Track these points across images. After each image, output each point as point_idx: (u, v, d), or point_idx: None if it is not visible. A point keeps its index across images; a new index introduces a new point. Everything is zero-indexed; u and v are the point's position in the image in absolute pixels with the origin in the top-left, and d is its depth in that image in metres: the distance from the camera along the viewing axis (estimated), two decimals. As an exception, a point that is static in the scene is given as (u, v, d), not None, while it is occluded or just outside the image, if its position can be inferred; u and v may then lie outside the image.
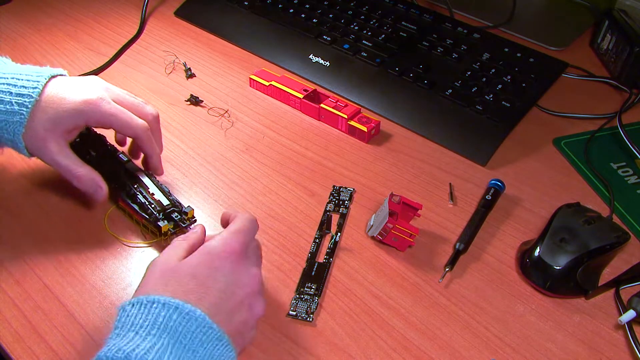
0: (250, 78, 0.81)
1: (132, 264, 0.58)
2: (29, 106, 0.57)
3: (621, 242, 0.58)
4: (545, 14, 0.99)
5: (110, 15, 0.96)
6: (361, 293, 0.56)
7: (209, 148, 0.72)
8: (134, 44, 0.90)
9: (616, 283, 0.57)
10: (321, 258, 0.59)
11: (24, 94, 0.57)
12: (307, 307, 0.55)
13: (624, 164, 0.71)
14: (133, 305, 0.43)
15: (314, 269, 0.58)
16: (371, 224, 0.62)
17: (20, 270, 0.57)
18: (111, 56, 0.87)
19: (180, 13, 0.97)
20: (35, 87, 0.58)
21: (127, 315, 0.43)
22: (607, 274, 0.59)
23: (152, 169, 0.64)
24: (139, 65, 0.86)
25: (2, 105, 0.57)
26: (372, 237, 0.61)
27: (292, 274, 0.58)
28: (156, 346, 0.41)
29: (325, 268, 0.58)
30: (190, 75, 0.84)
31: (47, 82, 0.59)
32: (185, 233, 0.55)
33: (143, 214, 0.59)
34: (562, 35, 0.92)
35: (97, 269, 0.58)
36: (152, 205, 0.59)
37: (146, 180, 0.62)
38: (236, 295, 0.47)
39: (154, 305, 0.43)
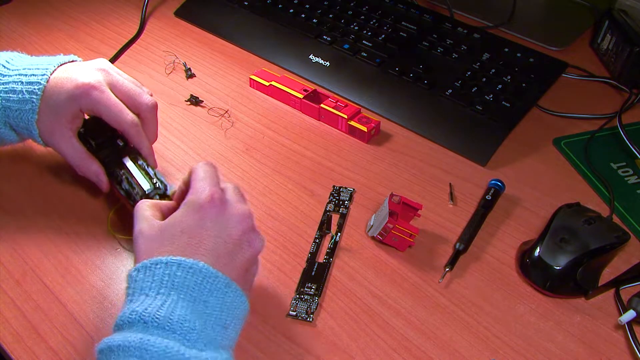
0: (250, 78, 0.81)
1: (132, 264, 0.58)
2: (39, 93, 0.58)
3: (621, 242, 0.58)
4: (545, 14, 0.99)
5: (110, 15, 0.96)
6: (361, 293, 0.56)
7: (209, 148, 0.72)
8: (134, 44, 0.90)
9: (616, 283, 0.57)
10: (321, 258, 0.59)
11: (33, 82, 0.58)
12: (307, 307, 0.55)
13: (624, 164, 0.71)
14: (138, 270, 0.44)
15: (314, 269, 0.58)
16: (371, 224, 0.62)
17: (20, 270, 0.57)
18: (111, 56, 0.87)
19: (180, 13, 0.97)
20: (44, 74, 0.59)
21: (135, 281, 0.44)
22: (607, 274, 0.59)
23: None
24: (139, 65, 0.86)
25: (14, 95, 0.58)
26: (372, 237, 0.61)
27: (292, 274, 0.58)
28: (167, 302, 0.42)
29: (325, 268, 0.58)
30: (190, 75, 0.84)
31: (55, 69, 0.60)
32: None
33: (129, 201, 0.58)
34: (562, 35, 0.92)
35: (97, 269, 0.58)
36: (135, 191, 0.58)
37: (130, 165, 0.60)
38: (232, 236, 0.47)
39: (158, 266, 0.44)
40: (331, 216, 0.64)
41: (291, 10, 0.91)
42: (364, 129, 0.73)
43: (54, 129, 0.59)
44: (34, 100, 0.58)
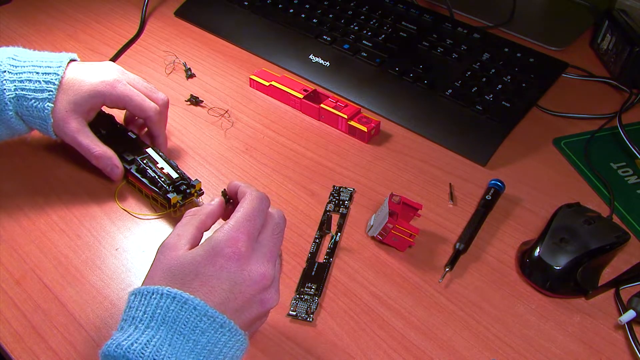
0: (250, 78, 0.81)
1: (132, 263, 0.58)
2: (56, 83, 0.62)
3: (621, 242, 0.58)
4: (545, 14, 0.99)
5: (110, 15, 0.96)
6: (361, 293, 0.56)
7: (209, 148, 0.72)
8: (134, 44, 0.90)
9: (616, 283, 0.57)
10: (321, 258, 0.59)
11: (49, 73, 0.62)
12: (307, 307, 0.55)
13: (624, 164, 0.71)
14: (135, 295, 0.43)
15: (314, 269, 0.58)
16: (371, 224, 0.62)
17: (20, 270, 0.57)
18: (111, 56, 0.87)
19: (180, 13, 0.97)
20: (59, 66, 0.63)
21: (129, 307, 0.43)
22: (607, 274, 0.59)
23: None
24: (139, 65, 0.86)
25: (31, 84, 0.61)
26: (372, 237, 0.61)
27: (292, 274, 0.58)
28: (154, 339, 0.40)
29: (325, 268, 0.58)
30: (190, 75, 0.84)
31: (67, 63, 0.64)
32: (195, 206, 0.60)
33: (153, 187, 0.62)
34: (562, 35, 0.92)
35: (97, 269, 0.58)
36: (162, 179, 0.62)
37: (155, 155, 0.65)
38: (244, 294, 0.44)
39: (154, 296, 0.42)
40: (331, 216, 0.64)
41: (291, 10, 0.91)
42: (364, 129, 0.73)
43: (70, 120, 0.62)
44: (52, 89, 0.61)
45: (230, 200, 0.51)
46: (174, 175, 0.63)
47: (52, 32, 0.92)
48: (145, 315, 0.41)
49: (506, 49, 0.82)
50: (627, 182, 0.69)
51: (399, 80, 0.79)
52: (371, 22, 0.87)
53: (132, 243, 0.60)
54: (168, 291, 0.42)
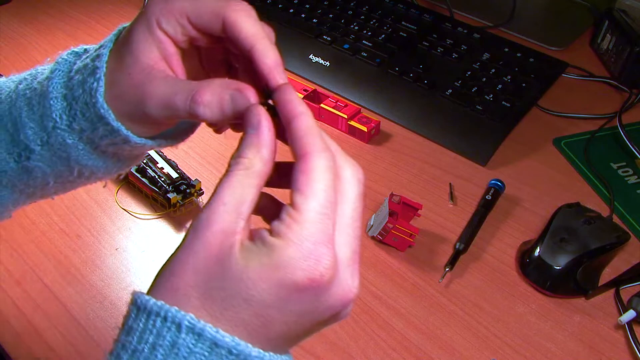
0: (250, 78, 0.81)
1: (132, 263, 0.58)
2: (110, 44, 0.36)
3: (621, 242, 0.58)
4: (545, 14, 0.99)
5: (111, 15, 0.96)
6: (361, 293, 0.56)
7: (209, 148, 0.72)
8: (134, 44, 0.90)
9: (616, 283, 0.57)
10: (321, 258, 0.59)
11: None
12: (307, 307, 0.54)
13: (624, 164, 0.71)
14: (140, 311, 0.28)
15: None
16: (371, 224, 0.62)
17: (20, 270, 0.57)
18: (111, 56, 0.86)
19: (180, 13, 0.97)
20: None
21: (130, 328, 0.29)
22: (607, 274, 0.59)
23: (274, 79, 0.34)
24: (139, 65, 0.86)
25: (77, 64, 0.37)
26: (372, 237, 0.61)
27: (292, 274, 0.58)
28: None
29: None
30: (190, 75, 0.84)
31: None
32: (195, 206, 0.60)
33: (153, 187, 0.62)
34: (562, 35, 0.92)
35: (97, 269, 0.58)
36: (162, 179, 0.62)
37: (154, 155, 0.65)
38: (314, 321, 0.30)
39: (168, 324, 0.28)
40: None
41: (291, 10, 0.91)
42: (364, 129, 0.73)
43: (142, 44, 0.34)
44: (103, 53, 0.36)
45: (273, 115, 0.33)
46: (174, 175, 0.63)
47: (52, 32, 0.91)
48: (155, 355, 0.28)
49: (506, 49, 0.82)
50: (627, 182, 0.69)
51: (399, 80, 0.79)
52: (371, 22, 0.87)
53: (132, 243, 0.60)
54: (191, 324, 0.27)
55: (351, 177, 0.31)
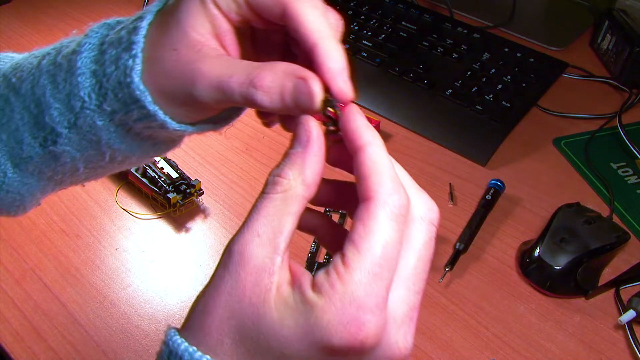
0: (250, 78, 0.81)
1: (131, 263, 0.58)
2: (150, 17, 0.33)
3: (621, 242, 0.58)
4: (545, 14, 0.99)
5: (110, 15, 0.96)
6: (361, 293, 0.56)
7: (209, 148, 0.72)
8: (134, 44, 0.90)
9: (616, 283, 0.57)
10: (321, 258, 0.59)
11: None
12: (307, 307, 0.54)
13: (624, 164, 0.71)
14: (170, 353, 0.26)
15: (314, 269, 0.58)
16: (371, 224, 0.61)
17: (20, 270, 0.57)
18: (111, 56, 0.86)
19: (180, 13, 0.97)
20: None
21: None
22: (607, 274, 0.59)
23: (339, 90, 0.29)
24: (139, 65, 0.86)
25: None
26: (372, 237, 0.61)
27: (292, 274, 0.58)
28: None
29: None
30: (190, 75, 0.84)
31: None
32: (195, 206, 0.60)
33: (153, 187, 0.62)
34: (562, 35, 0.92)
35: (97, 269, 0.58)
36: (162, 179, 0.62)
37: None
38: None
39: None
40: (331, 216, 0.64)
41: (291, 10, 0.91)
42: (364, 129, 0.72)
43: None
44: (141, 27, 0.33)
45: (333, 130, 0.29)
46: (174, 175, 0.63)
47: (52, 32, 0.91)
48: None
49: (506, 49, 0.82)
50: (627, 182, 0.69)
51: (399, 80, 0.79)
52: (371, 22, 0.87)
53: (132, 243, 0.60)
54: None
55: (421, 219, 0.28)
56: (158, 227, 0.62)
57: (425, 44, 0.83)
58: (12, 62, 0.36)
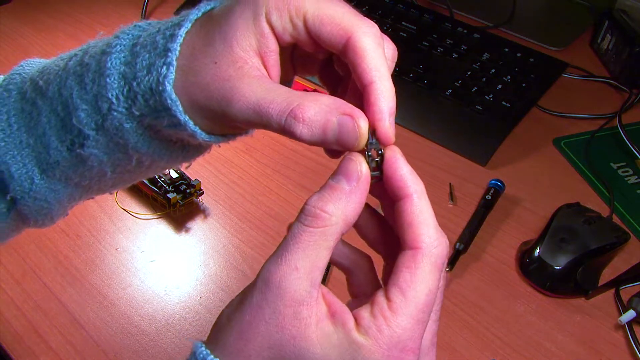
0: (250, 78, 0.81)
1: (132, 264, 0.58)
2: (188, 25, 0.33)
3: (621, 242, 0.58)
4: (545, 14, 0.99)
5: (111, 15, 0.96)
6: (361, 293, 0.56)
7: (209, 148, 0.72)
8: (134, 44, 0.90)
9: (616, 283, 0.57)
10: (321, 258, 0.59)
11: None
12: (307, 307, 0.54)
13: (624, 164, 0.71)
14: None
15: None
16: (371, 224, 0.62)
17: (20, 270, 0.57)
18: (111, 56, 0.86)
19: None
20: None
21: None
22: (607, 274, 0.59)
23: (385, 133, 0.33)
24: (139, 65, 0.86)
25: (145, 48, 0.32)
26: (372, 237, 0.61)
27: (292, 274, 0.58)
28: None
29: (325, 268, 0.58)
30: (190, 75, 0.84)
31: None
32: (195, 206, 0.59)
33: (153, 187, 0.62)
34: (562, 35, 0.92)
35: (97, 269, 0.58)
36: (162, 179, 0.62)
37: None
38: None
39: None
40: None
41: (291, 10, 0.91)
42: (364, 129, 0.73)
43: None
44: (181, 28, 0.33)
45: (378, 175, 0.31)
46: (174, 175, 0.63)
47: (52, 32, 0.91)
48: None
49: (506, 49, 0.82)
50: (627, 182, 0.69)
51: (399, 80, 0.79)
52: (371, 22, 0.87)
53: (132, 243, 0.60)
54: None
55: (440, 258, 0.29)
56: (158, 227, 0.62)
57: (425, 44, 0.83)
58: (39, 66, 0.36)
